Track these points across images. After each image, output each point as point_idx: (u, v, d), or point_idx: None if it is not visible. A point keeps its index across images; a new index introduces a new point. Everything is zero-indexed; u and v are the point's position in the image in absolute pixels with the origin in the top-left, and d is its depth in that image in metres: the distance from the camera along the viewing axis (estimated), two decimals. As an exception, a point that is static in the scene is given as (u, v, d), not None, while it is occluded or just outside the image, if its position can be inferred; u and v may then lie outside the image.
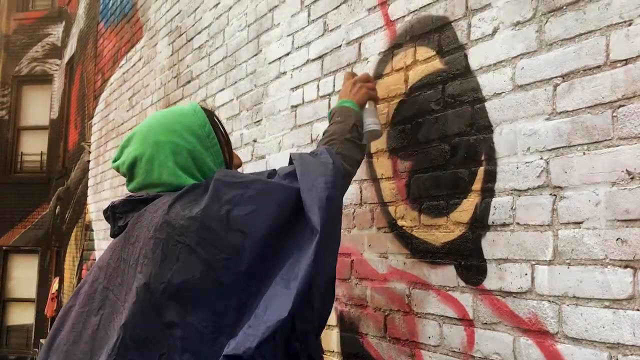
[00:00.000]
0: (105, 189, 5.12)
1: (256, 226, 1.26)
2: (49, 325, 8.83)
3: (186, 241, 1.24)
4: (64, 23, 11.32)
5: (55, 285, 8.60)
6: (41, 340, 8.40)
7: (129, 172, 1.43)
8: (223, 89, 3.00)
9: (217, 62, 3.11)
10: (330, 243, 1.28)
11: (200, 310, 1.21)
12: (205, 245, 1.24)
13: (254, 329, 1.14)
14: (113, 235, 1.45)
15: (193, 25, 3.49)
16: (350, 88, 1.72)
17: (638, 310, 1.15)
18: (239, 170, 1.57)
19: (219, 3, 3.15)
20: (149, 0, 4.43)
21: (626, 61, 1.21)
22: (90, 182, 5.88)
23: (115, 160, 1.49)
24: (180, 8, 3.74)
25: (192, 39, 3.49)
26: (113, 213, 1.44)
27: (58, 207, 9.88)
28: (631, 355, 1.16)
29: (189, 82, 3.47)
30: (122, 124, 4.79)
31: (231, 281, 1.23)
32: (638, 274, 1.16)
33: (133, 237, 1.33)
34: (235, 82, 2.88)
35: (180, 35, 3.68)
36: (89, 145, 6.00)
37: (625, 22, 1.21)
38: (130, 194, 1.44)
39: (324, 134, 1.60)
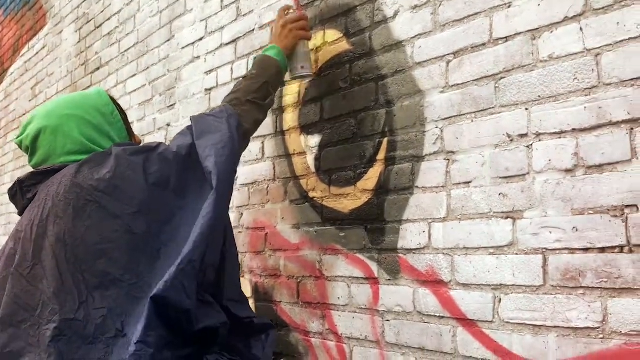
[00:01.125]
0: (5, 182, 4.90)
1: (160, 181, 1.37)
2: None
3: (96, 199, 1.32)
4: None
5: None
6: None
7: (32, 145, 1.46)
8: (135, 75, 3.00)
9: (128, 48, 3.10)
10: (224, 199, 1.40)
11: (116, 261, 1.29)
12: (115, 202, 1.32)
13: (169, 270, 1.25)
14: (22, 210, 1.47)
15: (102, 12, 3.45)
16: (280, 31, 1.73)
17: (516, 254, 1.33)
18: None
19: (129, -11, 3.14)
20: (53, -14, 4.30)
21: (506, 39, 1.38)
22: (-13, 177, 5.58)
23: (19, 137, 1.51)
24: (87, -6, 3.68)
25: (101, 25, 3.45)
26: (21, 187, 1.46)
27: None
28: (511, 293, 1.33)
29: (97, 69, 3.43)
30: (24, 114, 4.61)
31: (143, 231, 1.31)
32: (516, 223, 1.33)
33: (41, 201, 1.38)
34: (148, 67, 2.89)
35: (88, 21, 3.62)
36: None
37: (505, 4, 1.39)
38: (37, 168, 1.47)
39: (233, 87, 1.69)
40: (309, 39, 1.80)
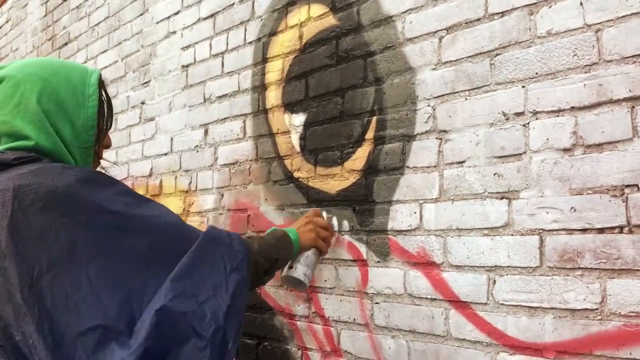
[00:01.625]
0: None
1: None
2: None
3: (2, 225, 1.06)
4: None
5: None
6: None
7: None
8: (106, 50, 2.88)
9: (99, 23, 2.97)
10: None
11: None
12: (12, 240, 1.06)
13: None
14: None
15: (70, -16, 3.30)
16: (304, 224, 1.50)
17: (512, 235, 1.30)
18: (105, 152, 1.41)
19: (99, -39, 3.01)
20: (15, -43, 4.11)
21: (502, 13, 1.34)
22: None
23: None
24: (53, -34, 3.52)
25: (68, -2, 3.30)
26: None
27: None
28: (506, 275, 1.31)
29: (65, 44, 3.29)
30: (-13, 92, 4.42)
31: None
32: (512, 204, 1.31)
33: None
34: (120, 42, 2.77)
35: (55, -6, 3.47)
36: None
37: (501, -22, 1.34)
38: None
39: (249, 236, 1.38)
40: (325, 252, 1.53)
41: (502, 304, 1.31)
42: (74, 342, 1.02)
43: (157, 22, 2.50)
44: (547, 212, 1.25)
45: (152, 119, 2.49)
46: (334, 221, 1.69)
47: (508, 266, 1.31)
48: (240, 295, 1.17)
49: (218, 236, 1.22)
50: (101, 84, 1.31)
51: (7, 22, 4.16)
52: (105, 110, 1.32)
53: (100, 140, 1.32)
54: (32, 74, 1.25)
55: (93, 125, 1.27)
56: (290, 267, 1.43)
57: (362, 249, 1.62)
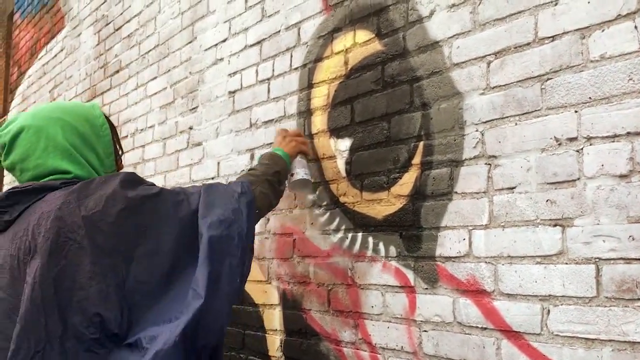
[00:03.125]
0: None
1: (147, 239, 1.26)
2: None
3: (77, 239, 1.20)
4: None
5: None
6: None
7: (10, 143, 1.34)
8: (155, 78, 2.96)
9: (149, 51, 3.06)
10: (214, 293, 1.26)
11: (83, 311, 1.17)
12: (95, 247, 1.20)
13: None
14: None
15: (121, 14, 3.42)
16: (281, 140, 1.79)
17: (566, 263, 1.27)
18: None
19: (149, -9, 3.11)
20: (70, -11, 4.29)
21: (553, 38, 1.32)
22: (5, 180, 5.60)
23: None
24: (106, -3, 3.65)
25: (120, 27, 3.42)
26: None
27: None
28: (561, 305, 1.27)
29: (117, 71, 3.40)
30: (42, 117, 4.59)
31: (116, 283, 1.20)
32: (566, 231, 1.27)
33: (21, 232, 1.25)
34: (169, 70, 2.85)
35: (107, 24, 3.59)
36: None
37: (552, 2, 1.33)
38: (13, 186, 1.35)
39: (248, 169, 1.62)
40: (308, 154, 1.86)
41: (557, 335, 1.27)
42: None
43: (205, 50, 2.56)
44: (603, 241, 1.21)
45: (199, 144, 2.54)
46: (380, 246, 1.69)
47: (563, 296, 1.27)
48: (252, 213, 1.43)
49: (213, 183, 1.49)
50: (104, 115, 1.47)
51: (62, 50, 4.33)
52: (115, 135, 1.49)
53: (119, 163, 1.50)
54: (48, 117, 1.37)
55: (112, 151, 1.44)
56: (292, 175, 1.75)
57: (410, 275, 1.60)
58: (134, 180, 1.33)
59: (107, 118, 1.47)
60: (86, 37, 3.92)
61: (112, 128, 1.48)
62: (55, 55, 4.46)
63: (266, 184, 1.58)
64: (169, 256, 1.28)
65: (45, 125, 1.34)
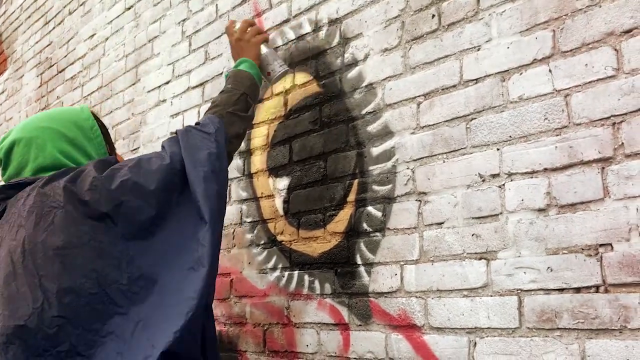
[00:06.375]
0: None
1: (134, 195, 1.28)
2: None
3: (61, 205, 1.25)
4: None
5: None
6: None
7: (5, 158, 1.41)
8: (97, 119, 2.94)
9: (92, 92, 3.05)
10: (216, 233, 1.30)
11: (77, 267, 1.21)
12: (83, 208, 1.25)
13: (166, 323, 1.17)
14: None
15: (65, 57, 3.40)
16: (239, 44, 1.69)
17: (491, 296, 1.30)
18: None
19: (94, 34, 3.12)
20: (15, 32, 4.25)
21: (476, 80, 1.40)
22: None
23: None
24: (50, 39, 3.63)
25: (64, 69, 3.39)
26: None
27: None
28: (486, 337, 1.29)
29: (59, 113, 3.35)
30: (-21, 160, 4.45)
31: (109, 241, 1.23)
32: (490, 264, 1.31)
33: (9, 215, 1.32)
34: (111, 111, 2.84)
35: (51, 66, 3.57)
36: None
37: (475, 47, 1.41)
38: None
39: (211, 104, 1.59)
40: (267, 39, 1.75)
41: (483, 367, 1.29)
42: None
43: (148, 91, 2.57)
44: (524, 272, 1.25)
45: (139, 185, 2.51)
46: (316, 283, 1.69)
47: (488, 327, 1.30)
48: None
49: (185, 131, 1.44)
50: (94, 116, 1.49)
51: (3, 92, 4.25)
52: (106, 134, 1.51)
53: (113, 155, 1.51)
54: (36, 128, 1.41)
55: (105, 151, 1.46)
56: (269, 74, 1.69)
57: (344, 312, 1.60)
58: (111, 158, 1.40)
59: (97, 119, 1.49)
60: (28, 79, 3.86)
61: (103, 128, 1.50)
62: (-4, 97, 4.37)
63: (230, 117, 1.52)
64: (153, 201, 1.29)
65: (34, 137, 1.38)
